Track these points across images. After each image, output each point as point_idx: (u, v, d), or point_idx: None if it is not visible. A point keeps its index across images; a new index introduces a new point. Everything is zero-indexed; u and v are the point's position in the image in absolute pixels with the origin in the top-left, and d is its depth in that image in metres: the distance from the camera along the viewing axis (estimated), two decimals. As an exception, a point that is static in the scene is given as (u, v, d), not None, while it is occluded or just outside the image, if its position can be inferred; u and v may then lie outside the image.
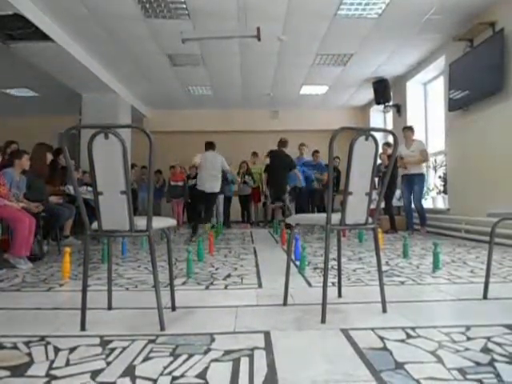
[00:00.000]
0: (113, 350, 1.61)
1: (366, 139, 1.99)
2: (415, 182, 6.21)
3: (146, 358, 1.52)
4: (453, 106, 6.08)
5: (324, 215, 2.05)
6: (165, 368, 1.43)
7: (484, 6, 5.19)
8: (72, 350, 1.61)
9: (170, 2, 5.03)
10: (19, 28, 5.12)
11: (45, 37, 5.42)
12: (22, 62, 6.36)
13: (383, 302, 2.10)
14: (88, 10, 5.19)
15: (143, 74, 7.86)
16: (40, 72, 6.84)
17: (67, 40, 5.94)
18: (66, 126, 1.94)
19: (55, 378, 1.37)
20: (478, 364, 1.42)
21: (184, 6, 5.14)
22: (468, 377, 1.32)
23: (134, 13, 5.28)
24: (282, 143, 7.04)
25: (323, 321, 1.91)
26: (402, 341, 1.66)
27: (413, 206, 6.42)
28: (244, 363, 1.46)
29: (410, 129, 6.44)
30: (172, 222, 2.27)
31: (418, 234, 6.24)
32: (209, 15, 5.38)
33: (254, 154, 9.49)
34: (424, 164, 6.51)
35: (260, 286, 2.82)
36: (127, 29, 5.79)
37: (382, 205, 6.68)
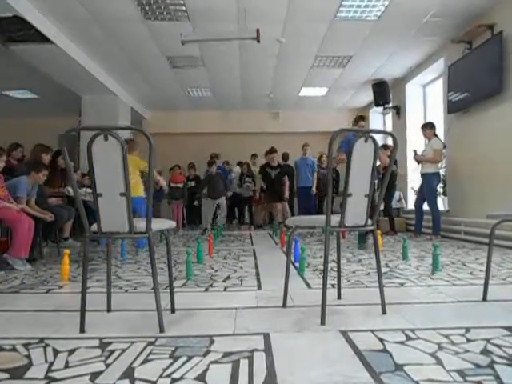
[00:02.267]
0: (112, 352, 1.60)
1: (366, 141, 1.99)
2: (425, 181, 5.88)
3: (146, 360, 1.52)
4: (452, 108, 6.08)
5: (323, 217, 2.05)
6: (164, 370, 1.42)
7: (483, 8, 5.20)
8: (71, 352, 1.61)
9: (169, 3, 5.04)
10: (19, 30, 5.13)
11: (44, 39, 5.43)
12: (21, 63, 6.37)
13: (383, 304, 2.10)
14: (88, 11, 5.20)
15: (143, 75, 7.88)
16: (40, 74, 6.85)
17: (67, 42, 5.95)
18: (65, 128, 1.94)
19: (54, 380, 1.36)
20: (477, 366, 1.41)
21: (183, 8, 5.15)
22: (468, 379, 1.32)
23: (134, 15, 5.29)
24: (273, 151, 8.10)
25: (323, 322, 1.91)
26: (402, 343, 1.66)
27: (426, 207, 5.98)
28: (243, 365, 1.46)
29: (425, 126, 6.03)
30: (171, 223, 2.27)
31: (420, 237, 6.03)
32: (208, 17, 5.39)
33: (254, 155, 9.47)
34: (439, 163, 5.97)
35: (259, 287, 2.81)
36: (127, 31, 5.80)
37: (382, 206, 6.65)
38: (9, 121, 9.96)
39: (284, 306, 2.26)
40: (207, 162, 8.20)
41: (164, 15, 5.35)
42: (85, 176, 6.43)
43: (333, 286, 2.65)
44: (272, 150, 7.94)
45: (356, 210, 2.07)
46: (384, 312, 2.08)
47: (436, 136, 5.94)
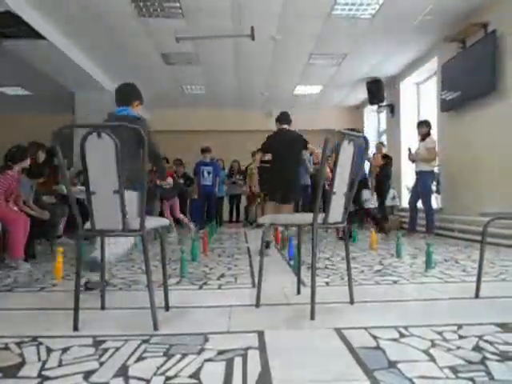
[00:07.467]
0: (106, 350, 1.60)
1: (349, 143, 2.04)
2: (419, 180, 5.87)
3: (140, 358, 1.51)
4: (445, 106, 6.11)
5: (298, 215, 2.09)
6: (158, 368, 1.42)
7: (476, 7, 5.23)
8: (64, 350, 1.60)
9: (163, 0, 5.01)
10: (11, 26, 5.08)
11: (37, 35, 5.38)
12: (14, 60, 6.31)
13: (351, 295, 2.21)
14: (81, 8, 5.15)
15: (137, 72, 7.80)
16: (33, 70, 6.79)
17: (60, 38, 5.90)
18: (59, 125, 1.92)
19: (47, 378, 1.36)
20: (469, 362, 1.43)
21: (178, 4, 5.12)
22: (460, 375, 1.33)
23: (128, 11, 5.26)
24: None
25: (313, 318, 1.94)
26: (395, 340, 1.67)
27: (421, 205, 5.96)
28: (238, 363, 1.46)
29: (421, 124, 6.02)
30: (165, 221, 2.26)
31: (414, 234, 5.97)
32: (203, 14, 5.37)
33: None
34: (433, 162, 5.93)
35: (254, 285, 2.81)
36: (121, 27, 5.76)
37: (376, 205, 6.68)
38: (1, 118, 9.86)
39: (278, 303, 2.26)
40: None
41: (158, 12, 5.31)
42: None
43: (327, 283, 2.66)
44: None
45: (337, 208, 2.14)
46: (352, 302, 2.20)
47: (429, 135, 5.96)
